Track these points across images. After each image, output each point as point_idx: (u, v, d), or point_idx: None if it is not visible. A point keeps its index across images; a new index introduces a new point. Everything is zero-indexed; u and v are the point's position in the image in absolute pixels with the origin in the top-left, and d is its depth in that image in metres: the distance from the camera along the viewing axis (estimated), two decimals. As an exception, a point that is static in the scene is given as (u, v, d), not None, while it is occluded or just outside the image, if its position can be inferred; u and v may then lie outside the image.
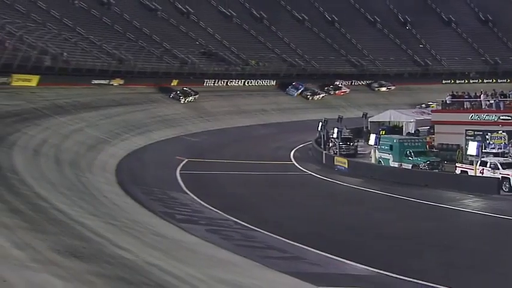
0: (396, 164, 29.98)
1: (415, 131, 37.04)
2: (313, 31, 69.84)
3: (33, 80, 39.15)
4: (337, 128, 35.78)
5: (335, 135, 35.24)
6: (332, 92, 62.26)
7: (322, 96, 60.53)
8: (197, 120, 47.69)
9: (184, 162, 32.23)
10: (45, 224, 12.45)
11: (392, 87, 65.76)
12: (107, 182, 24.86)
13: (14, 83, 37.36)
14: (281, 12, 69.92)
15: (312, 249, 15.48)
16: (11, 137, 26.14)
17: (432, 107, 39.91)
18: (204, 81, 55.83)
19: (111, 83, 46.90)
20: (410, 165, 29.47)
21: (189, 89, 51.68)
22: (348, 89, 63.32)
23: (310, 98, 59.85)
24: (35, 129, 29.82)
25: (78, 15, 53.49)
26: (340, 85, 63.54)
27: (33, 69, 39.26)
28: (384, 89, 65.75)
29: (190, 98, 50.79)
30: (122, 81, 47.74)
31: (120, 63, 49.10)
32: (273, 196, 25.06)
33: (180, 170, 29.86)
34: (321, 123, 37.01)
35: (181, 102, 49.82)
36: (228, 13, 66.79)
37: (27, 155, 24.22)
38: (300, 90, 60.52)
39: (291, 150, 38.55)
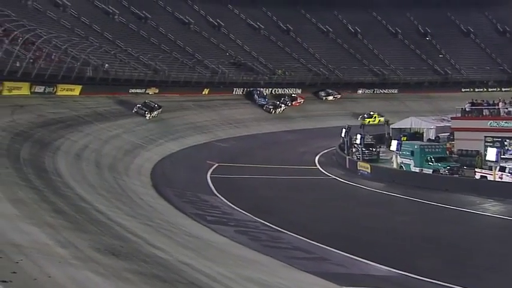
0: (417, 169, 29.57)
1: (435, 138, 36.48)
2: (337, 42, 69.53)
3: (76, 90, 39.84)
4: (360, 134, 35.50)
5: (358, 141, 34.99)
6: (289, 103, 56.37)
7: (283, 109, 55.07)
8: (227, 127, 47.82)
9: (214, 166, 32.33)
10: (87, 224, 12.61)
11: (338, 96, 61.03)
12: (142, 185, 25.10)
13: (59, 93, 38.06)
14: (306, 24, 69.80)
15: (336, 250, 15.35)
16: (55, 142, 26.63)
17: None
18: (233, 90, 56.05)
19: (146, 91, 47.41)
20: (431, 171, 29.03)
21: (153, 102, 43.02)
22: (303, 99, 58.17)
23: (273, 111, 54.19)
24: (77, 135, 30.32)
25: (117, 29, 54.32)
26: (295, 95, 58.44)
27: (76, 79, 39.96)
28: (330, 98, 61.03)
29: (155, 112, 41.99)
30: (156, 90, 48.23)
31: (155, 73, 49.64)
32: (299, 199, 24.94)
33: (211, 174, 29.96)
34: (344, 130, 36.76)
35: (147, 117, 40.87)
36: (256, 26, 66.98)
37: (70, 159, 24.63)
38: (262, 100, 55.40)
39: (316, 156, 38.35)
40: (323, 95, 61.34)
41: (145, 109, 41.27)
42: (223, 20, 64.59)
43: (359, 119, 52.75)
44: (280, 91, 59.37)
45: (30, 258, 7.82)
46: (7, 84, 32.69)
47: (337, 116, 54.27)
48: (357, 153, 35.02)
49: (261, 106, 54.66)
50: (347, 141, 36.31)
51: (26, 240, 9.03)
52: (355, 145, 35.49)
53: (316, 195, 26.09)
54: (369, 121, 52.55)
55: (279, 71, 61.10)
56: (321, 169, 33.70)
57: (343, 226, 19.35)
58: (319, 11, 69.66)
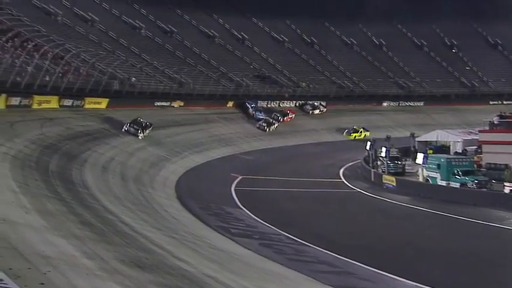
0: (444, 183, 29.11)
1: (462, 151, 35.91)
2: (361, 55, 69.30)
3: (103, 103, 40.47)
4: (385, 147, 35.17)
5: (383, 154, 34.66)
6: (281, 119, 52.59)
7: (276, 127, 51.24)
8: (251, 139, 47.90)
9: (239, 179, 32.37)
10: (112, 236, 12.72)
11: (324, 110, 58.18)
12: (167, 197, 25.25)
13: (87, 106, 38.71)
14: (331, 37, 69.79)
15: (362, 265, 15.15)
16: (83, 154, 27.04)
17: None
18: (257, 103, 56.18)
19: (172, 104, 47.89)
20: (459, 184, 28.55)
21: (142, 119, 38.18)
22: (294, 114, 54.95)
23: (267, 129, 50.21)
24: (103, 148, 30.74)
25: (143, 43, 55.15)
26: (286, 110, 55.01)
27: (103, 92, 40.63)
28: (317, 111, 57.93)
29: (147, 131, 37.69)
30: (182, 103, 48.67)
31: (180, 86, 50.15)
32: (324, 212, 24.76)
33: (235, 187, 29.99)
34: (369, 143, 36.47)
35: (139, 137, 36.66)
36: (280, 39, 67.23)
37: (97, 171, 24.96)
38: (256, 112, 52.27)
39: (341, 168, 38.10)
40: (309, 108, 57.86)
41: (136, 127, 36.84)
42: (247, 33, 65.04)
43: (344, 134, 52.11)
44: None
45: (58, 270, 7.92)
46: (37, 97, 33.39)
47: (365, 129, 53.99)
48: (382, 166, 34.70)
49: (257, 121, 50.73)
50: (372, 154, 36.01)
51: (54, 252, 9.15)
52: (380, 158, 35.18)
53: (341, 208, 25.87)
54: (355, 136, 51.66)
55: (303, 83, 61.11)
56: (345, 182, 33.45)
57: (368, 240, 19.11)
58: (343, 23, 69.63)
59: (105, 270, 8.83)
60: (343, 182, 33.74)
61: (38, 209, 13.21)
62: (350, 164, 40.03)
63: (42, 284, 6.87)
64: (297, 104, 58.35)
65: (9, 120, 27.19)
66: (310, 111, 57.71)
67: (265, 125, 50.35)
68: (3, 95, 29.68)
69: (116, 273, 8.77)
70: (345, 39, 70.21)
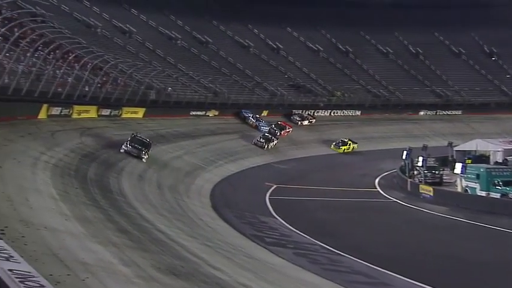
0: (484, 193, 28.38)
1: (503, 160, 34.99)
2: (397, 63, 68.47)
3: (140, 112, 41.15)
4: (422, 156, 34.57)
5: (420, 164, 34.08)
6: (278, 133, 47.10)
7: (275, 143, 45.53)
8: (285, 148, 47.82)
9: (273, 188, 32.33)
10: (148, 244, 12.89)
11: (313, 120, 54.41)
12: (202, 206, 25.43)
13: (124, 115, 39.43)
14: (366, 46, 69.25)
15: (398, 276, 14.90)
16: (120, 163, 27.52)
17: None
18: (292, 112, 56.15)
19: (207, 114, 48.31)
20: (499, 195, 27.78)
21: (142, 136, 31.59)
22: (291, 128, 49.81)
23: (266, 146, 44.43)
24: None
25: (179, 53, 55.95)
26: (281, 123, 49.74)
27: (140, 102, 41.33)
28: (306, 122, 53.93)
29: (145, 155, 30.00)
30: (216, 113, 49.05)
31: (215, 95, 50.59)
32: (359, 222, 24.48)
33: (269, 195, 29.96)
34: (405, 152, 35.92)
35: (143, 159, 29.69)
36: (315, 48, 67.11)
37: (133, 179, 25.35)
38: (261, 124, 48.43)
39: (376, 178, 37.62)
40: (297, 119, 53.52)
41: (139, 147, 29.65)
42: (282, 43, 65.19)
43: (332, 147, 48.85)
44: (339, 113, 58.43)
45: (96, 276, 8.07)
46: (77, 107, 34.22)
47: (400, 138, 53.19)
48: (418, 175, 34.12)
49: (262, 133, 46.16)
50: (408, 163, 35.45)
51: (92, 259, 9.33)
52: (417, 167, 34.60)
53: (376, 218, 25.52)
54: (344, 149, 48.60)
55: (338, 92, 60.77)
56: (381, 192, 33.00)
57: (404, 250, 18.79)
58: (379, 32, 69.00)
59: (141, 277, 8.95)
60: (378, 191, 33.29)
61: (77, 216, 13.51)
62: (385, 173, 39.48)
63: (80, 290, 7.01)
64: (284, 115, 53.59)
65: (50, 130, 27.94)
66: (299, 122, 53.09)
67: (263, 141, 43.84)
68: (45, 105, 30.54)
69: (152, 281, 8.87)
70: (381, 47, 69.55)
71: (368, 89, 63.03)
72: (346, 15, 66.17)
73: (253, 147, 44.70)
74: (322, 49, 66.93)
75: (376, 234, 21.64)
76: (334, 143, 49.32)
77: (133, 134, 31.21)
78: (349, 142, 49.53)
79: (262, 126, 48.32)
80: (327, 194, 31.77)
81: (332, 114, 58.90)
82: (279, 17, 65.32)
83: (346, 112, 59.81)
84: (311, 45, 67.27)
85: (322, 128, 54.89)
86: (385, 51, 69.25)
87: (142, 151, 29.71)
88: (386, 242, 20.19)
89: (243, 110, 50.41)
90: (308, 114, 54.89)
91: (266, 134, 45.20)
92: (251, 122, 49.14)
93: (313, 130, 53.97)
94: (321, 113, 58.23)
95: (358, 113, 60.23)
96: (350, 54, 67.84)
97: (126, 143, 29.78)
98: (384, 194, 32.18)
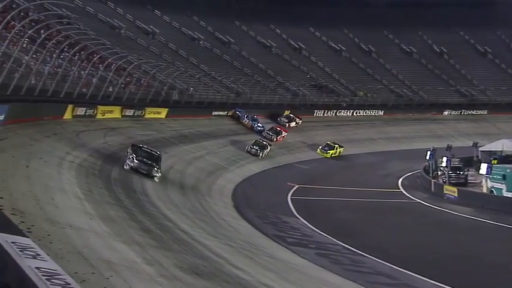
0: (510, 194, 27.90)
1: (530, 161, 34.35)
2: (421, 63, 67.73)
3: (163, 113, 41.48)
4: (446, 156, 34.15)
5: (444, 164, 33.66)
6: (274, 139, 43.68)
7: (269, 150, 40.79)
8: (307, 149, 47.66)
9: (295, 188, 32.28)
10: (171, 243, 13.00)
11: (300, 122, 50.70)
12: (224, 206, 25.52)
13: (147, 116, 39.79)
14: (389, 45, 68.65)
15: (421, 277, 14.76)
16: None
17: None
18: (314, 112, 55.99)
19: (229, 114, 48.47)
20: (525, 196, 27.30)
21: (150, 148, 25.96)
22: (287, 132, 46.31)
23: (260, 154, 39.63)
24: (163, 157, 31.44)
25: (202, 54, 56.25)
26: (278, 128, 46.27)
27: (162, 102, 41.67)
28: (293, 124, 50.25)
29: (157, 173, 24.08)
30: (239, 113, 49.13)
31: (237, 96, 50.73)
32: (381, 222, 24.30)
33: (291, 196, 29.93)
34: (429, 152, 35.52)
35: (156, 178, 23.95)
36: (337, 48, 66.80)
37: (156, 179, 25.53)
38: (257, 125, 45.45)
39: (399, 178, 37.28)
40: (285, 121, 49.64)
41: (149, 162, 23.87)
42: (304, 43, 65.03)
43: (317, 151, 44.95)
44: (361, 113, 58.15)
45: (120, 275, 8.18)
46: (101, 108, 34.66)
47: (424, 138, 52.63)
48: (442, 176, 33.72)
49: (258, 133, 43.37)
50: (432, 163, 35.05)
51: (116, 257, 9.46)
52: (441, 168, 34.18)
53: (399, 219, 25.30)
54: (332, 153, 45.05)
55: (361, 92, 60.40)
56: (404, 192, 32.70)
57: (428, 251, 18.59)
58: (402, 31, 68.35)
59: (164, 276, 9.05)
60: (401, 192, 32.99)
61: (101, 215, 13.70)
62: (409, 174, 39.09)
63: (105, 288, 7.12)
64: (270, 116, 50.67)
65: (75, 130, 28.36)
66: (286, 124, 49.42)
67: (257, 148, 38.80)
68: (70, 106, 31.02)
69: (175, 280, 8.96)
70: (404, 47, 68.88)
71: (391, 89, 62.51)
72: (369, 15, 65.67)
73: (274, 147, 44.63)
74: (344, 49, 66.58)
75: (398, 235, 21.46)
76: (320, 147, 45.16)
77: (135, 145, 25.27)
78: (335, 146, 45.93)
79: (259, 126, 45.21)
80: (349, 194, 31.60)
81: (354, 114, 58.58)
82: (302, 17, 65.16)
83: (368, 112, 59.44)
84: (333, 45, 66.96)
85: (345, 128, 54.61)
86: (408, 50, 68.57)
87: (153, 167, 23.63)
88: (409, 243, 20.01)
89: (237, 109, 46.90)
90: (295, 115, 50.43)
91: (260, 140, 40.27)
92: (246, 122, 45.57)
93: (334, 130, 53.71)
94: (343, 113, 57.98)
95: (381, 112, 59.79)
96: (373, 54, 67.36)
97: (131, 157, 23.55)
98: (407, 195, 31.88)
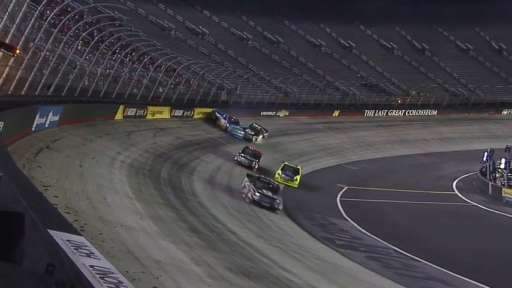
0: None
1: None
2: (478, 60, 65.68)
3: (211, 113, 41.94)
4: (505, 158, 32.98)
5: (502, 166, 32.54)
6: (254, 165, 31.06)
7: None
8: (357, 149, 47.07)
9: (344, 189, 31.95)
10: (219, 244, 13.16)
11: (266, 134, 40.39)
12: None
13: (196, 116, 40.37)
14: (444, 42, 66.91)
15: (478, 283, 14.34)
16: (191, 163, 28.22)
17: None
18: (364, 112, 55.27)
19: (277, 114, 48.51)
20: None
21: (264, 178, 25.00)
22: (262, 154, 34.39)
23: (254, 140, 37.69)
24: (211, 157, 31.82)
25: (251, 53, 56.57)
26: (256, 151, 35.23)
27: (211, 103, 42.15)
28: (260, 138, 40.01)
29: (278, 207, 23.15)
30: (287, 113, 49.14)
31: (286, 96, 50.71)
32: (435, 226, 23.73)
33: (341, 197, 29.65)
34: (486, 153, 34.40)
35: (278, 211, 22.99)
36: (389, 46, 65.66)
37: (204, 179, 25.90)
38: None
39: (454, 180, 36.27)
40: (251, 134, 38.88)
41: (269, 194, 23.21)
42: (354, 41, 64.29)
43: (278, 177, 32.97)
44: (414, 113, 56.85)
45: (169, 275, 8.37)
46: (151, 108, 35.44)
47: (480, 139, 51.06)
48: (501, 178, 32.60)
49: (231, 135, 37.94)
50: (489, 165, 33.94)
51: (165, 257, 9.67)
52: (499, 170, 33.05)
53: (453, 223, 24.65)
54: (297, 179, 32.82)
55: (413, 91, 59.15)
56: (459, 195, 31.81)
57: (484, 257, 18.05)
58: (458, 28, 66.47)
59: (213, 277, 9.18)
60: (456, 194, 32.10)
61: (150, 215, 14.02)
62: (464, 175, 37.97)
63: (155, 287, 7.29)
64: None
65: (126, 130, 29.11)
66: (253, 138, 38.80)
67: (251, 159, 31.30)
68: (122, 106, 31.87)
69: (223, 281, 9.08)
70: (460, 44, 66.98)
71: (445, 88, 60.92)
72: (422, 11, 64.27)
73: (323, 148, 44.33)
74: (396, 47, 65.40)
75: (453, 239, 20.91)
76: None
77: (251, 175, 25.79)
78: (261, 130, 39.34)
79: (237, 129, 38.47)
80: (401, 196, 31.01)
81: (406, 114, 57.44)
82: (351, 15, 64.47)
83: (421, 112, 58.17)
84: (385, 43, 65.89)
85: (397, 128, 53.62)
86: (464, 47, 66.63)
87: (275, 199, 23.05)
88: (464, 247, 19.47)
89: (216, 110, 41.20)
90: (261, 126, 40.86)
91: (251, 148, 32.93)
92: (222, 123, 39.18)
93: (385, 130, 52.84)
94: (395, 113, 56.97)
95: (435, 112, 58.38)
96: (426, 52, 65.85)
97: (252, 190, 23.21)
98: (463, 198, 31.00)
